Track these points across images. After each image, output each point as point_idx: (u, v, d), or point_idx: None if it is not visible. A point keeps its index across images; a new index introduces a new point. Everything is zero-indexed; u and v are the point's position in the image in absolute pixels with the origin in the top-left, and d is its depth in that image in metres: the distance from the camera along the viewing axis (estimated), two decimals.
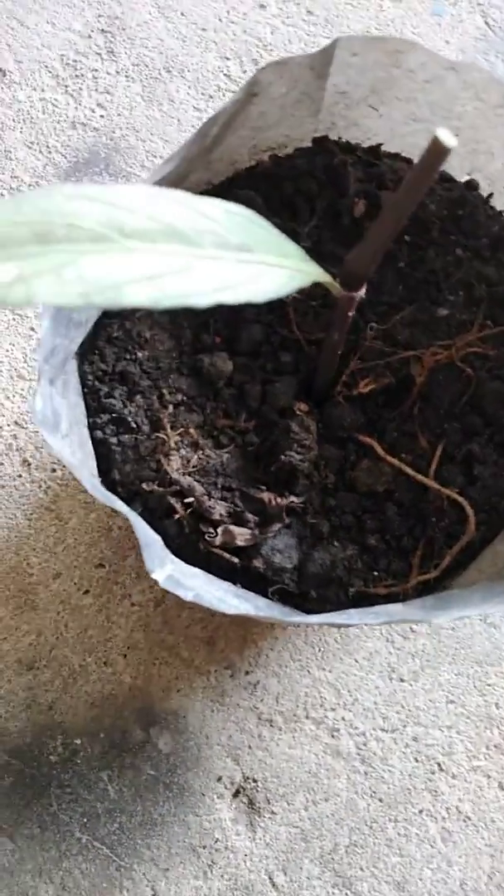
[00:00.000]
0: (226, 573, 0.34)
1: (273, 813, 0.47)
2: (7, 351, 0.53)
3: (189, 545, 0.34)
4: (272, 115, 0.34)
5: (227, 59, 0.62)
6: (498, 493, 0.35)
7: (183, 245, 0.20)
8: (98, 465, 0.35)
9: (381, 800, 0.47)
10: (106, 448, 0.35)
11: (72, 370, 0.34)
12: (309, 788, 0.47)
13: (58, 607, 0.49)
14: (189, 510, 0.34)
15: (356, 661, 0.49)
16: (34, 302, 0.16)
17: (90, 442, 0.35)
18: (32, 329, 0.53)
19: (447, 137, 0.23)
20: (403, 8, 0.64)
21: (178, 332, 0.37)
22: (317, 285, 0.26)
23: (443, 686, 0.49)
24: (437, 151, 0.24)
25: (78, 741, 0.47)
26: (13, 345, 0.53)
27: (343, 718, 0.48)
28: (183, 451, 0.35)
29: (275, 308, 0.37)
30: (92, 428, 0.35)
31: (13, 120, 0.60)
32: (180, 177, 0.33)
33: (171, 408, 0.35)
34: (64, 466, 0.51)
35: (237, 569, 0.34)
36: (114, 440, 0.35)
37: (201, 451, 0.35)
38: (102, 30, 0.63)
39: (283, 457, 0.35)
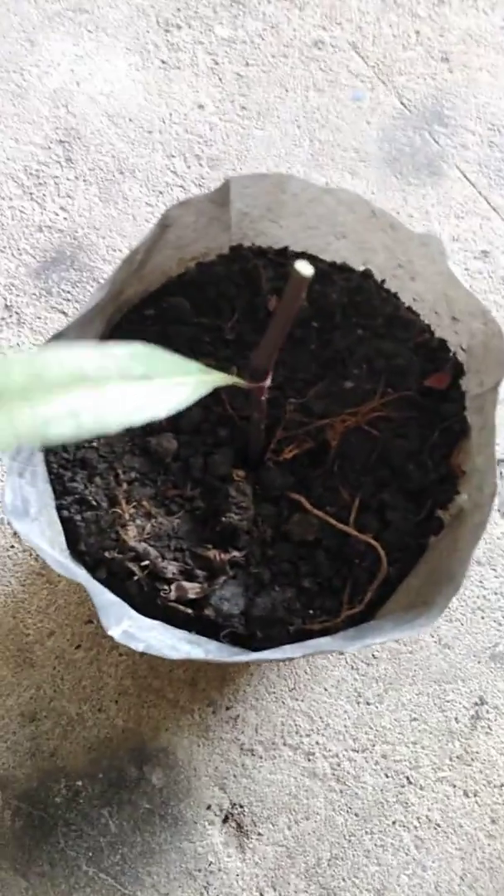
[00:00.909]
0: (183, 623, 0.40)
1: (260, 834, 0.52)
2: None
3: (149, 601, 0.40)
4: (188, 237, 0.41)
5: (173, 156, 0.70)
6: (408, 535, 0.41)
7: (94, 385, 0.26)
8: (67, 540, 0.41)
9: (356, 814, 0.52)
10: (72, 525, 0.41)
11: (39, 461, 0.41)
12: (290, 809, 0.52)
13: (53, 662, 0.54)
14: (146, 571, 0.40)
15: (325, 690, 0.54)
16: None
17: (59, 521, 0.41)
18: None
19: (304, 268, 0.30)
20: (327, 97, 0.72)
21: None
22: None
23: (406, 706, 0.54)
24: (299, 279, 0.30)
25: (79, 783, 0.52)
26: None
27: (317, 742, 0.53)
28: (138, 521, 0.41)
29: (210, 393, 0.43)
30: (59, 508, 0.41)
31: None
32: (116, 294, 0.39)
33: (125, 485, 0.42)
34: None
35: (192, 618, 0.40)
36: (78, 517, 0.41)
37: (154, 520, 0.41)
38: (60, 140, 0.70)
39: (223, 518, 0.41)
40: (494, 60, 0.73)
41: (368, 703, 0.54)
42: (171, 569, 0.40)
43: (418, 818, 0.52)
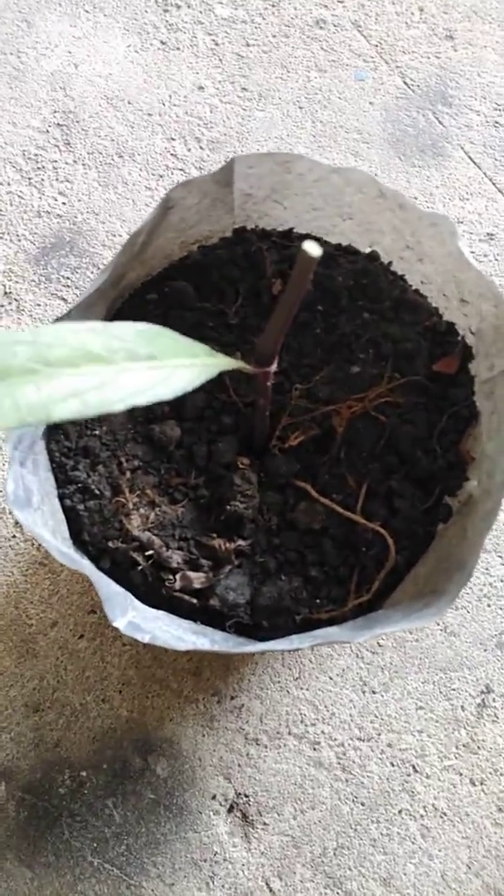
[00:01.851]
0: (188, 613, 0.40)
1: (265, 824, 0.51)
2: None
3: (153, 591, 0.40)
4: (191, 219, 0.40)
5: (173, 139, 0.68)
6: (416, 522, 0.40)
7: (99, 364, 0.25)
8: (70, 529, 0.40)
9: (362, 804, 0.52)
10: (75, 514, 0.40)
11: (40, 450, 0.40)
12: (296, 799, 0.52)
13: (56, 653, 0.54)
14: (150, 561, 0.39)
15: (330, 679, 0.54)
16: None
17: (61, 510, 0.40)
18: None
19: (312, 249, 0.29)
20: (329, 77, 0.70)
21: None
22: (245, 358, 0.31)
23: (411, 694, 0.54)
24: (307, 260, 0.29)
25: (84, 773, 0.52)
26: None
27: (322, 732, 0.53)
28: (142, 510, 0.40)
29: (214, 378, 0.42)
30: (62, 498, 0.41)
31: None
32: (117, 278, 0.38)
33: (128, 473, 0.41)
34: None
35: (197, 608, 0.39)
36: (81, 507, 0.40)
37: (158, 508, 0.41)
38: (58, 124, 0.69)
39: (228, 507, 0.40)
40: (500, 38, 0.72)
41: (374, 692, 0.54)
42: (176, 558, 0.39)
43: (424, 807, 0.52)
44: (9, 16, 0.72)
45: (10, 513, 0.57)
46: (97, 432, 0.41)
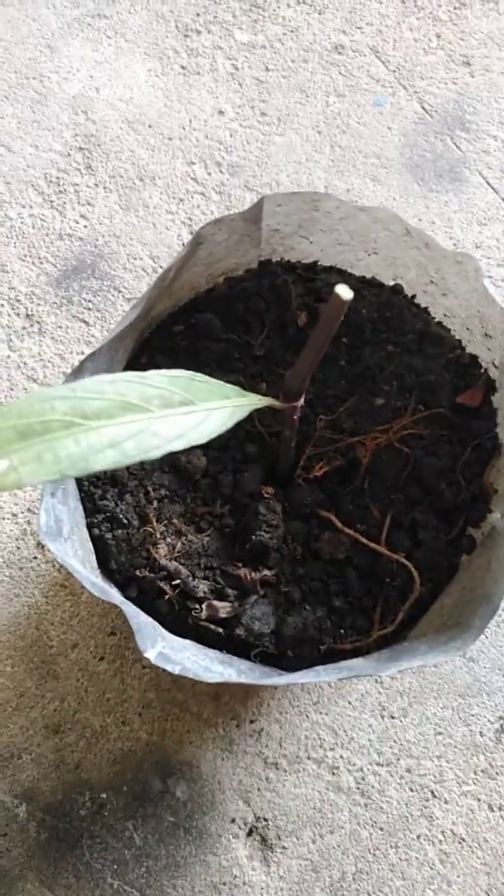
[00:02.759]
0: (213, 642, 0.40)
1: (284, 848, 0.52)
2: None
3: (180, 620, 0.40)
4: (219, 253, 0.41)
5: (193, 163, 0.69)
6: (440, 554, 0.41)
7: (136, 413, 0.26)
8: (97, 558, 0.41)
9: (381, 829, 0.52)
10: (103, 543, 0.41)
11: (70, 480, 0.40)
12: (315, 823, 0.52)
13: (77, 675, 0.54)
14: (177, 590, 0.40)
15: (349, 703, 0.54)
16: (24, 485, 0.22)
17: (89, 539, 0.41)
18: None
19: (345, 292, 0.29)
20: (348, 102, 0.71)
21: None
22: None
23: (430, 719, 0.54)
24: (338, 303, 0.30)
25: (104, 795, 0.52)
26: None
27: (341, 756, 0.53)
28: (169, 539, 0.41)
29: None
30: (90, 527, 0.41)
31: (6, 236, 0.67)
32: (145, 312, 0.39)
33: (155, 502, 0.41)
34: None
35: (223, 637, 0.40)
36: (109, 535, 0.41)
37: (184, 537, 0.41)
38: (80, 147, 0.70)
39: (254, 536, 0.41)
40: None
41: (393, 717, 0.54)
42: (202, 587, 0.40)
43: (443, 832, 0.52)
44: (32, 41, 0.73)
45: (33, 535, 0.57)
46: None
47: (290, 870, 0.51)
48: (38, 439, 0.23)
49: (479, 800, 0.53)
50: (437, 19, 0.75)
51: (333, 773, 0.53)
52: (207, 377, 0.29)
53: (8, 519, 0.57)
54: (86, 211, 0.67)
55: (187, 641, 0.39)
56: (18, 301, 0.64)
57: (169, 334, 0.44)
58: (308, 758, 0.53)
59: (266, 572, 0.40)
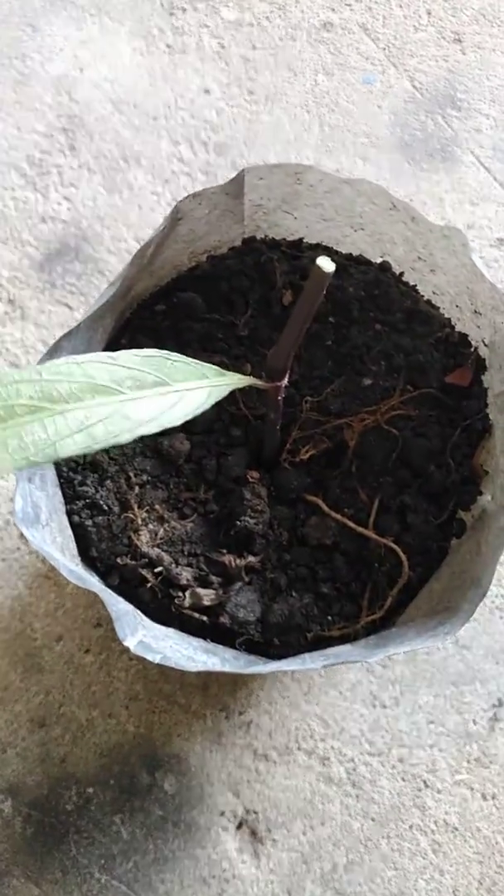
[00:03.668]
0: (197, 630, 0.39)
1: (274, 840, 0.51)
2: None
3: (163, 609, 0.39)
4: (200, 230, 0.39)
5: (179, 143, 0.68)
6: (429, 538, 0.40)
7: (106, 396, 0.24)
8: (78, 546, 0.40)
9: (373, 819, 0.51)
10: (83, 530, 0.40)
11: (48, 465, 0.39)
12: (306, 815, 0.51)
13: (62, 667, 0.53)
14: (160, 578, 0.39)
15: (340, 693, 0.53)
16: None
17: (69, 526, 0.40)
18: None
19: (326, 264, 0.28)
20: (336, 80, 0.70)
21: None
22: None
23: (422, 708, 0.53)
24: (320, 276, 0.28)
25: (91, 789, 0.51)
26: None
27: (332, 747, 0.52)
28: (151, 526, 0.40)
29: None
30: (69, 513, 0.40)
31: None
32: (126, 290, 0.38)
33: (137, 488, 0.40)
34: None
35: (207, 626, 0.39)
36: (89, 522, 0.40)
37: (167, 524, 0.40)
38: (63, 128, 0.68)
39: (238, 522, 0.39)
40: None
41: (384, 707, 0.53)
42: (186, 575, 0.39)
43: (436, 822, 0.51)
44: (14, 20, 0.71)
45: (15, 525, 0.56)
46: (98, 451, 0.40)
47: (281, 862, 0.50)
48: (2, 425, 0.22)
49: (472, 789, 0.52)
50: None
51: (324, 764, 0.52)
52: (183, 357, 0.28)
53: None
54: (69, 193, 0.66)
55: (170, 630, 0.38)
56: (0, 285, 0.63)
57: (150, 314, 0.43)
58: (298, 749, 0.52)
59: (251, 559, 0.39)
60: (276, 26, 0.71)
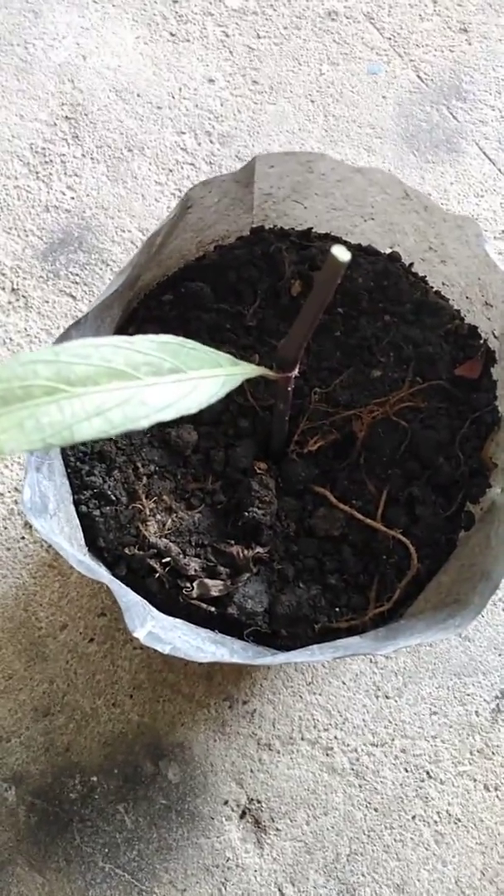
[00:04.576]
0: (205, 621, 0.39)
1: (278, 830, 0.51)
2: None
3: (170, 599, 0.39)
4: (209, 218, 0.39)
5: (183, 133, 0.67)
6: (438, 530, 0.40)
7: (123, 380, 0.24)
8: (85, 536, 0.40)
9: (376, 809, 0.51)
10: (91, 520, 0.39)
11: (55, 455, 0.39)
12: (309, 804, 0.51)
13: (66, 656, 0.53)
14: (167, 568, 0.39)
15: (343, 683, 0.53)
16: (4, 453, 0.21)
17: (76, 516, 0.39)
18: None
19: (342, 253, 0.28)
20: (341, 70, 0.69)
21: None
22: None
23: (425, 699, 0.53)
24: (335, 265, 0.28)
25: (94, 778, 0.51)
26: None
27: (335, 737, 0.52)
28: (159, 516, 0.40)
29: None
30: (77, 504, 0.40)
31: None
32: (134, 279, 0.37)
33: (145, 478, 0.40)
34: None
35: (214, 616, 0.39)
36: (97, 513, 0.39)
37: (175, 514, 0.40)
38: (66, 117, 0.68)
39: (246, 513, 0.39)
40: None
41: (388, 697, 0.53)
42: (193, 565, 0.38)
43: (438, 813, 0.51)
44: (16, 5, 0.70)
45: (20, 514, 0.56)
46: (113, 437, 0.40)
47: (284, 852, 0.50)
48: (20, 405, 0.22)
49: (474, 780, 0.52)
50: None
51: (327, 754, 0.52)
52: (198, 344, 0.28)
53: None
54: (72, 182, 0.65)
55: (178, 621, 0.38)
56: (3, 275, 0.62)
57: (158, 304, 0.43)
58: (302, 739, 0.52)
59: (259, 549, 0.39)
60: (280, 15, 0.71)
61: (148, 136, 0.67)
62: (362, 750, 0.52)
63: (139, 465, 0.40)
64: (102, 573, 0.34)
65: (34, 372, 0.22)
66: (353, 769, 0.52)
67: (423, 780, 0.52)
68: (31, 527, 0.56)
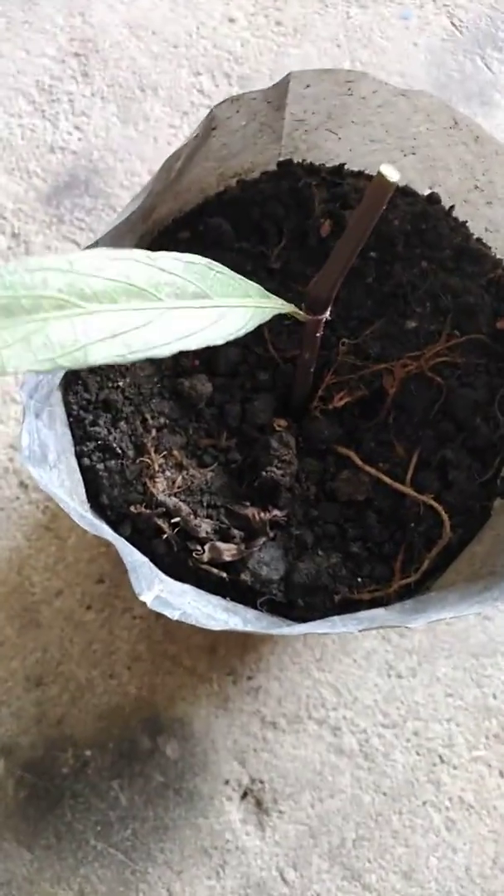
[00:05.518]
0: (216, 587, 0.36)
1: (281, 812, 0.48)
2: None
3: (179, 563, 0.36)
4: (235, 145, 0.36)
5: (200, 74, 0.63)
6: (472, 497, 0.37)
7: (143, 301, 0.21)
8: (87, 491, 0.36)
9: (385, 794, 0.49)
10: (94, 474, 0.36)
11: (57, 401, 0.36)
12: (314, 786, 0.48)
13: (61, 624, 0.50)
14: (176, 529, 0.35)
15: (354, 661, 0.50)
16: (7, 371, 0.18)
17: (78, 470, 0.36)
18: None
19: (391, 172, 0.24)
20: (371, 14, 0.65)
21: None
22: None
23: (440, 680, 0.50)
24: (382, 185, 0.25)
25: (88, 752, 0.48)
26: None
27: (344, 717, 0.49)
28: (168, 473, 0.36)
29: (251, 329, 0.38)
30: (79, 456, 0.36)
31: None
32: (149, 210, 0.34)
33: (154, 431, 0.37)
34: None
35: (226, 583, 0.36)
36: (100, 466, 0.36)
37: (185, 472, 0.37)
38: (76, 53, 0.64)
39: (264, 473, 0.36)
40: None
41: (400, 677, 0.50)
42: (205, 527, 0.35)
43: (450, 799, 0.49)
44: None
45: (15, 473, 0.53)
46: (120, 384, 0.37)
47: (287, 835, 0.48)
48: (27, 318, 0.18)
49: (489, 766, 0.49)
50: None
51: (335, 735, 0.49)
52: (226, 269, 0.24)
53: None
54: (80, 122, 0.61)
55: (187, 586, 0.35)
56: (4, 218, 0.58)
57: (173, 242, 0.39)
58: (309, 717, 0.49)
59: (276, 513, 0.36)
60: None
61: (162, 75, 0.63)
62: (372, 731, 0.49)
63: (148, 416, 0.37)
64: (106, 530, 0.31)
65: (44, 281, 0.19)
66: (361, 751, 0.49)
67: (435, 765, 0.49)
68: (26, 486, 0.53)
